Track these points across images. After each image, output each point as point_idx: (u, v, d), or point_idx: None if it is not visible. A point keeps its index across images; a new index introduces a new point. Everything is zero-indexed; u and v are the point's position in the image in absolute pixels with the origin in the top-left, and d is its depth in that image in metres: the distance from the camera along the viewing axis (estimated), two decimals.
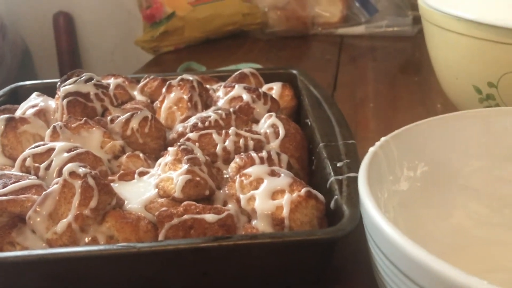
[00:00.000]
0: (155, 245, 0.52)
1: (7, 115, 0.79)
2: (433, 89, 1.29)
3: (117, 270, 0.54)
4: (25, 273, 0.54)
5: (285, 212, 0.57)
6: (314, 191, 0.59)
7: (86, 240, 0.58)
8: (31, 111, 0.85)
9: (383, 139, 0.61)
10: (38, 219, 0.59)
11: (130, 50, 2.00)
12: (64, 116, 0.82)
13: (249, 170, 0.64)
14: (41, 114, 0.85)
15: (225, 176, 0.70)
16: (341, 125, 0.75)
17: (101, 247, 0.52)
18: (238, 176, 0.64)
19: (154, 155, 0.77)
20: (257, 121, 0.81)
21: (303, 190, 0.59)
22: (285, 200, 0.58)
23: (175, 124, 0.83)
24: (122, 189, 0.65)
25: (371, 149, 0.59)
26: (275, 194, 0.60)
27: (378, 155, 0.59)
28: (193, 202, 0.60)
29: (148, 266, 0.54)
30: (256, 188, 0.62)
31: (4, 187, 0.62)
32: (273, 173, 0.63)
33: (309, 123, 0.80)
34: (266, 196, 0.60)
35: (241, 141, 0.72)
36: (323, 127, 0.76)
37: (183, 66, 1.48)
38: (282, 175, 0.62)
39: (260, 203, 0.59)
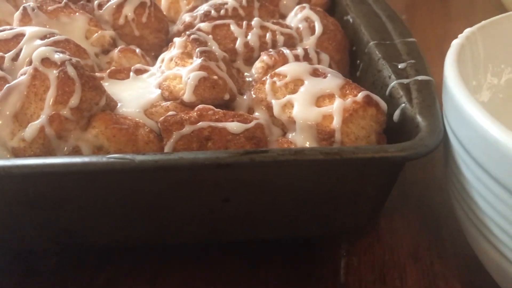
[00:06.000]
0: (161, 158, 0.37)
1: None
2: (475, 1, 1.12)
3: (106, 191, 0.40)
4: None
5: (335, 123, 0.42)
6: (375, 96, 0.44)
7: (65, 150, 0.43)
8: None
9: (468, 30, 0.46)
10: (0, 121, 0.43)
11: None
12: (39, 0, 0.64)
13: (283, 69, 0.48)
14: None
15: (247, 79, 0.54)
16: (395, 21, 0.59)
17: (86, 159, 0.37)
18: (268, 77, 0.48)
19: (153, 52, 0.61)
20: (283, 17, 0.65)
21: (361, 94, 0.44)
22: (335, 107, 0.43)
23: (179, 16, 0.66)
24: (114, 88, 0.49)
25: (456, 42, 0.44)
26: (320, 100, 0.45)
27: (465, 49, 0.44)
28: (211, 107, 0.45)
29: (149, 186, 0.40)
30: (294, 91, 0.46)
31: None
32: (316, 73, 0.47)
33: (351, 20, 0.63)
34: (308, 102, 0.44)
35: (268, 35, 0.56)
36: (372, 24, 0.59)
37: None
38: (329, 75, 0.47)
39: (300, 111, 0.44)
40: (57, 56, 0.43)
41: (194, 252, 0.49)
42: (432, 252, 0.49)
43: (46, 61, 0.43)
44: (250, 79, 0.53)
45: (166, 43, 0.61)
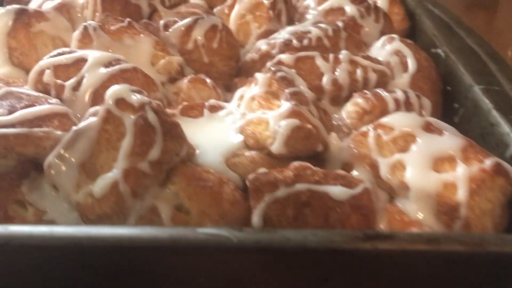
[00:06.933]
0: (264, 238, 0.31)
1: (16, 6, 0.55)
2: None
3: (189, 266, 0.33)
4: (40, 261, 0.33)
5: (461, 195, 0.36)
6: (506, 164, 0.37)
7: (139, 209, 0.37)
8: (49, 4, 0.61)
9: None
10: (64, 168, 0.37)
11: None
12: (97, 14, 0.59)
13: (389, 120, 0.41)
14: (64, 10, 0.61)
15: (334, 122, 0.47)
16: (497, 60, 0.52)
17: (173, 233, 0.31)
18: (371, 128, 0.42)
19: (221, 81, 0.55)
20: (366, 46, 0.58)
21: (489, 162, 0.37)
22: (460, 176, 0.36)
23: (249, 39, 0.59)
24: (188, 129, 0.42)
25: None
26: (439, 163, 0.38)
27: None
28: (308, 164, 0.38)
29: (239, 264, 0.33)
30: (404, 149, 0.39)
31: (10, 113, 0.40)
32: (429, 128, 0.40)
33: (442, 54, 0.56)
34: (424, 165, 0.38)
35: (358, 71, 0.49)
36: (471, 62, 0.52)
37: None
38: (446, 132, 0.40)
39: (415, 175, 0.37)
40: (135, 98, 0.37)
41: None
42: None
43: (121, 102, 0.37)
44: (340, 123, 0.47)
45: (236, 71, 0.55)
